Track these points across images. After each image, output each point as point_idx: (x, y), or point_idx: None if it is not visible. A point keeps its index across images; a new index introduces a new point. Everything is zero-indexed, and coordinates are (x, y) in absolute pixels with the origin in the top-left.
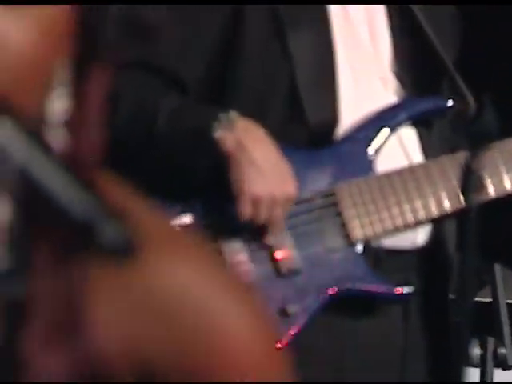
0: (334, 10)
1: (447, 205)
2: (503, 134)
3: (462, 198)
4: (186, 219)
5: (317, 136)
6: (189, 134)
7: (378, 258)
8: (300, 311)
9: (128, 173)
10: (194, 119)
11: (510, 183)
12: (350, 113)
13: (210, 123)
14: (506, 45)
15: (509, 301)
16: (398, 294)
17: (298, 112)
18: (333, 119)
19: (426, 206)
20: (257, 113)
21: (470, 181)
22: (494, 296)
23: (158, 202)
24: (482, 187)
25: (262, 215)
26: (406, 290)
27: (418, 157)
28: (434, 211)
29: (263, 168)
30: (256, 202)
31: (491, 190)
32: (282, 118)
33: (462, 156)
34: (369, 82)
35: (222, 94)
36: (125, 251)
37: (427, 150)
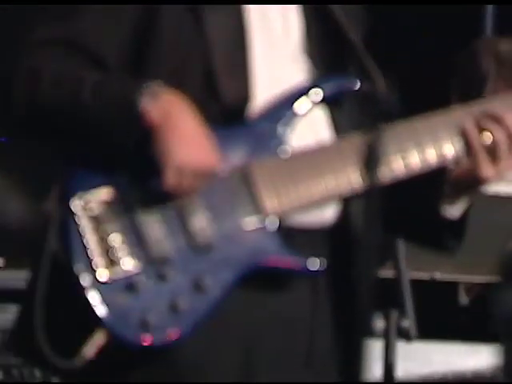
0: None
1: (357, 182)
2: (406, 114)
3: (367, 175)
4: (106, 191)
5: (231, 114)
6: (113, 105)
7: (289, 234)
8: (214, 284)
9: (52, 142)
10: (118, 91)
11: (417, 160)
12: (264, 92)
13: (134, 94)
14: (412, 28)
15: (412, 275)
16: (310, 270)
17: (213, 90)
18: (246, 96)
19: (337, 182)
20: (177, 88)
21: (373, 158)
22: (398, 271)
23: (78, 175)
24: (386, 165)
25: (185, 185)
26: (317, 265)
27: (327, 135)
28: (345, 187)
29: (188, 138)
30: (180, 171)
31: (396, 168)
32: (197, 95)
33: (369, 134)
34: (281, 63)
35: (139, 71)
36: None
37: (337, 128)
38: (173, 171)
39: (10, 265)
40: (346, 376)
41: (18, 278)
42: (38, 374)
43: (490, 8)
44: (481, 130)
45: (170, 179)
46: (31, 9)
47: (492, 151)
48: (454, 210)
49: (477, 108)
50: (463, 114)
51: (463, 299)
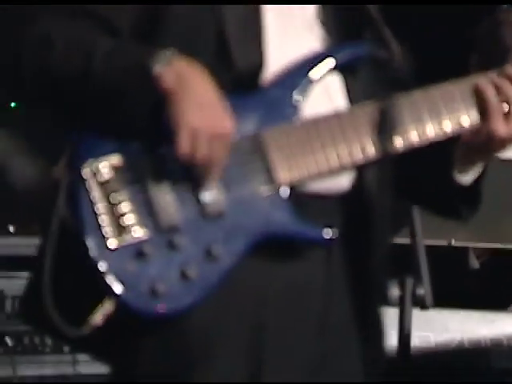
0: None
1: (371, 150)
2: (421, 82)
3: (381, 143)
4: (116, 159)
5: (244, 81)
6: (127, 71)
7: (303, 202)
8: (226, 253)
9: (65, 109)
10: (132, 56)
11: (432, 130)
12: (277, 58)
13: (149, 59)
14: None
15: (427, 242)
16: (323, 239)
17: (226, 57)
18: (259, 63)
19: (350, 151)
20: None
21: (387, 126)
22: (413, 237)
23: (88, 142)
24: (401, 133)
25: (201, 149)
26: (330, 234)
27: (342, 103)
28: (358, 156)
29: (203, 102)
30: (195, 135)
31: (412, 136)
32: (210, 63)
33: (383, 102)
34: (295, 29)
35: (152, 39)
36: None
37: (352, 96)
38: (187, 134)
39: (21, 231)
40: (364, 345)
41: (29, 244)
42: (48, 341)
43: None
44: (497, 89)
45: (184, 143)
46: None
47: (507, 110)
48: (468, 177)
49: (492, 73)
50: (479, 79)
51: (474, 263)
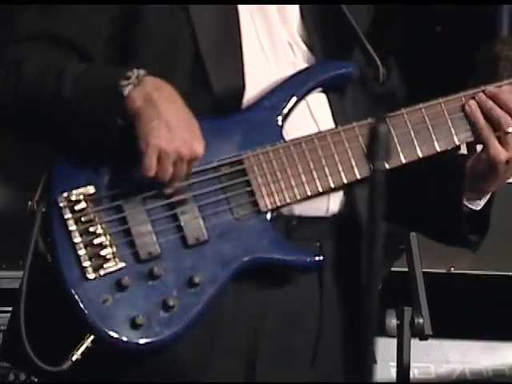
0: None
1: (356, 172)
2: (409, 99)
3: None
4: (92, 189)
5: (223, 103)
6: (95, 93)
7: (291, 225)
8: (208, 281)
9: (38, 139)
10: (101, 79)
11: (420, 151)
12: (257, 79)
13: (118, 81)
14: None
15: (425, 269)
16: (310, 263)
17: (203, 79)
18: (238, 87)
19: (334, 174)
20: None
21: (376, 146)
22: (410, 265)
23: (63, 172)
24: (390, 153)
25: (167, 171)
26: (317, 258)
27: (328, 123)
28: (343, 179)
29: (171, 123)
30: (161, 156)
31: (401, 157)
32: (186, 85)
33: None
34: (276, 48)
35: (126, 62)
36: None
37: (338, 116)
38: (152, 154)
39: (6, 265)
40: (353, 377)
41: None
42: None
43: (506, 8)
44: (484, 112)
45: (149, 162)
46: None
47: (498, 131)
48: (477, 205)
49: (481, 91)
50: (468, 101)
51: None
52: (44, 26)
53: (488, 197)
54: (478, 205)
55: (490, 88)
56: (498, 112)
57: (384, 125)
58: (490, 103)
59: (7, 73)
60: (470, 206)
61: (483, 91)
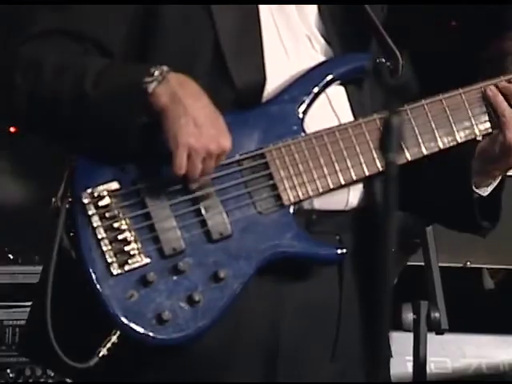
0: None
1: (378, 164)
2: (422, 93)
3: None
4: (115, 185)
5: (244, 97)
6: (120, 90)
7: (311, 219)
8: (233, 276)
9: (60, 139)
10: (125, 75)
11: (441, 141)
12: (278, 73)
13: (143, 78)
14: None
15: (441, 264)
16: (332, 256)
17: (224, 75)
18: (259, 81)
19: (356, 166)
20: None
21: (389, 138)
22: (426, 259)
23: (86, 168)
24: (409, 145)
25: (197, 168)
26: (339, 251)
27: (347, 115)
28: (365, 171)
29: (198, 120)
30: (191, 154)
31: (422, 148)
32: (208, 81)
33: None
34: (295, 42)
35: (146, 58)
36: None
37: (356, 108)
38: (183, 152)
39: (21, 259)
40: (371, 371)
41: (29, 272)
42: (51, 372)
43: None
44: (506, 96)
45: (180, 161)
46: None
47: None
48: (486, 190)
49: (500, 80)
50: (488, 87)
51: (489, 284)
52: (60, 22)
53: (495, 183)
54: (486, 190)
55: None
56: None
57: (397, 117)
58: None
59: (25, 72)
60: (477, 191)
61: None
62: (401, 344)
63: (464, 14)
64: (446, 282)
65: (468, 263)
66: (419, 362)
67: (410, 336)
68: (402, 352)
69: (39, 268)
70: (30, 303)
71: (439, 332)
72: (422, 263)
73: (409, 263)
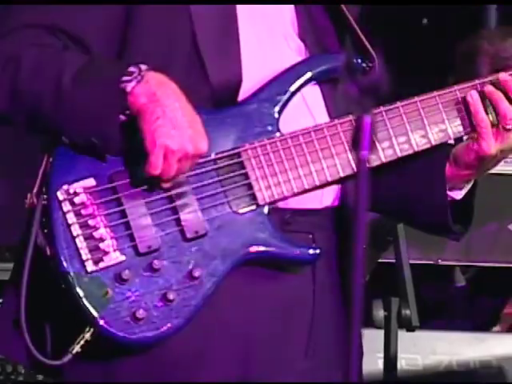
0: None
1: (353, 166)
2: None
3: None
4: (92, 182)
5: (220, 96)
6: (99, 88)
7: (285, 218)
8: (206, 275)
9: (40, 132)
10: (103, 73)
11: (414, 142)
12: (254, 72)
13: (121, 76)
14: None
15: (413, 261)
16: (306, 256)
17: (201, 72)
18: (235, 79)
19: (331, 167)
20: (159, 72)
21: (361, 136)
22: (398, 256)
23: (62, 164)
24: (384, 146)
25: (172, 168)
26: (312, 251)
27: (323, 115)
28: (340, 172)
29: (175, 121)
30: (167, 154)
31: (397, 150)
32: (184, 77)
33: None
34: (272, 41)
35: (124, 53)
36: None
37: (331, 108)
38: (159, 153)
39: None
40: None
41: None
42: (21, 369)
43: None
44: (485, 102)
45: (156, 161)
46: None
47: (498, 124)
48: (459, 194)
49: (480, 81)
50: (467, 91)
51: (460, 281)
52: (41, 17)
53: (469, 187)
54: (459, 194)
55: (504, 76)
56: (506, 105)
57: (369, 116)
58: (500, 94)
59: (4, 66)
60: (451, 194)
61: (490, 82)
62: (372, 341)
63: (436, 12)
64: (416, 279)
65: (439, 260)
66: (390, 358)
67: (381, 333)
68: (372, 349)
69: (10, 265)
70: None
71: (410, 329)
72: (394, 260)
73: (380, 260)
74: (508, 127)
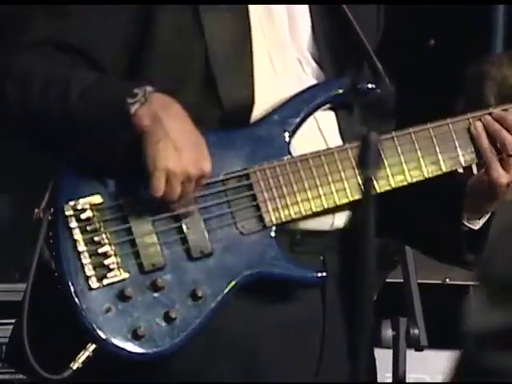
0: None
1: (359, 191)
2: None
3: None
4: (98, 199)
5: (232, 117)
6: (103, 109)
7: (295, 239)
8: (210, 295)
9: (47, 146)
10: (108, 94)
11: (426, 169)
12: (267, 94)
13: (125, 98)
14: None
15: (420, 280)
16: (313, 278)
17: (213, 94)
18: (247, 102)
19: (340, 191)
20: (171, 92)
21: (367, 154)
22: (405, 276)
23: (69, 181)
24: (395, 171)
25: (175, 191)
26: (316, 274)
27: (336, 139)
28: (349, 196)
29: (179, 143)
30: (169, 178)
31: (407, 176)
32: (196, 98)
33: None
34: (286, 64)
35: (137, 72)
36: None
37: (345, 132)
38: (160, 176)
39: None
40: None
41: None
42: None
43: (500, 22)
44: (491, 135)
45: (157, 185)
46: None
47: (501, 153)
48: (477, 225)
49: (489, 112)
50: (474, 122)
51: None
52: (53, 33)
53: (487, 216)
54: (477, 223)
55: (497, 111)
56: (504, 134)
57: (374, 133)
58: (497, 125)
59: (15, 84)
60: (469, 225)
61: (490, 114)
62: (380, 360)
63: (442, 34)
64: (425, 299)
65: (447, 280)
66: (399, 378)
67: (390, 353)
68: (381, 368)
69: (19, 286)
70: (9, 321)
71: (418, 348)
72: (401, 280)
73: (388, 280)
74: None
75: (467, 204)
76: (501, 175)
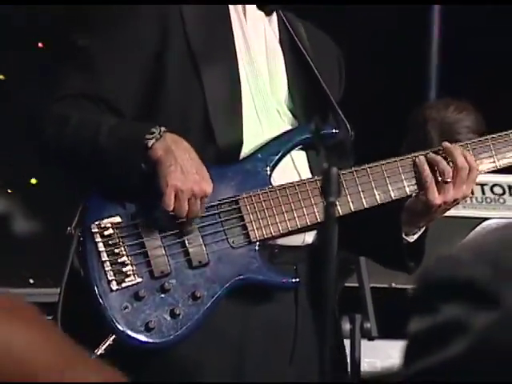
0: (239, 46)
1: (320, 214)
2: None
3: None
4: (118, 219)
5: (225, 155)
6: (126, 143)
7: (274, 252)
8: (207, 296)
9: (77, 176)
10: (131, 132)
11: (378, 197)
12: (253, 137)
13: (144, 135)
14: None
15: (372, 284)
16: (285, 283)
17: (210, 136)
18: (238, 142)
19: (310, 214)
20: (177, 134)
21: (329, 184)
22: (360, 281)
23: (95, 204)
24: (352, 199)
25: (183, 207)
26: (291, 280)
27: (307, 173)
28: (318, 218)
29: (185, 167)
30: (178, 194)
31: (364, 202)
32: (198, 139)
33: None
34: (268, 114)
35: (150, 118)
36: None
37: (314, 168)
38: (170, 192)
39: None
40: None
41: (46, 293)
42: None
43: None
44: (432, 165)
45: (169, 199)
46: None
47: (439, 180)
48: (413, 237)
49: (429, 152)
50: (418, 157)
51: None
52: (84, 88)
53: (421, 232)
54: (412, 238)
55: (447, 145)
56: (444, 163)
57: (334, 168)
58: (439, 157)
59: (54, 123)
60: (406, 238)
61: (428, 153)
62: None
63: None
64: (375, 299)
65: (393, 284)
66: (355, 362)
67: (348, 342)
68: None
69: (52, 290)
70: (46, 318)
71: (370, 338)
72: (357, 284)
73: (346, 284)
74: (447, 180)
75: (404, 220)
76: (436, 198)
